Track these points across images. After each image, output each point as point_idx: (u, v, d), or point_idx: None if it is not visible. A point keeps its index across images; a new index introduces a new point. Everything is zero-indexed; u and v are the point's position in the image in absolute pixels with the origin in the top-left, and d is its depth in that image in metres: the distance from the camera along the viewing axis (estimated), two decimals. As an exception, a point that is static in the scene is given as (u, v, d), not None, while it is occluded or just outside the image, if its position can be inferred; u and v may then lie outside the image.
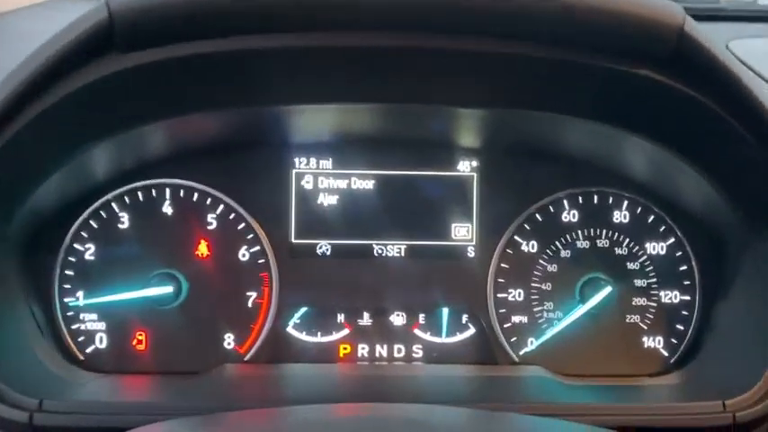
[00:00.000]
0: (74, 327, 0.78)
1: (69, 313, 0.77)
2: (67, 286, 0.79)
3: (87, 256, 0.78)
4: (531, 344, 0.79)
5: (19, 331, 0.70)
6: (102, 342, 0.78)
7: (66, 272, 0.78)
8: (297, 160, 0.79)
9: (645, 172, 0.79)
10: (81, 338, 0.78)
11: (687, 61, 0.62)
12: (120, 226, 0.79)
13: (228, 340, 0.79)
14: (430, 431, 0.49)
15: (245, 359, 0.78)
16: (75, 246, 0.78)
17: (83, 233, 0.78)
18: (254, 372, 0.77)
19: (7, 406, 0.60)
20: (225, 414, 0.59)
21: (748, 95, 0.60)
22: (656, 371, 0.78)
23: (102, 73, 0.60)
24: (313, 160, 0.80)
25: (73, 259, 0.78)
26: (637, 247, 0.80)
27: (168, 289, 0.77)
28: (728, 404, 0.65)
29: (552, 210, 0.81)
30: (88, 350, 0.80)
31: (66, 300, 0.78)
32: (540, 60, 0.61)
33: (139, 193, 0.79)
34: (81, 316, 0.79)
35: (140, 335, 0.78)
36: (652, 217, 0.81)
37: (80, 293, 0.78)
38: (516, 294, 0.80)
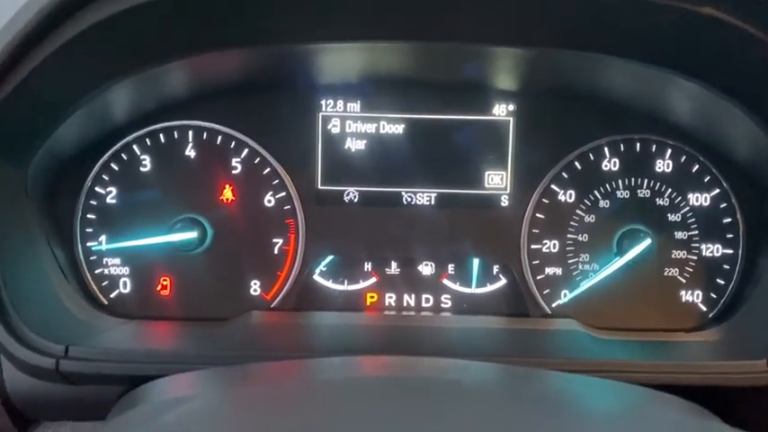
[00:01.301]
0: (97, 271, 0.76)
1: (92, 258, 0.76)
2: (90, 230, 0.76)
3: (109, 200, 0.76)
4: (565, 296, 0.76)
5: (42, 276, 0.69)
6: (126, 287, 0.77)
7: (88, 216, 0.77)
8: (323, 103, 0.76)
9: (692, 119, 0.74)
10: (105, 283, 0.76)
11: None
12: (141, 169, 0.76)
13: (255, 287, 0.77)
14: (466, 392, 0.47)
15: (272, 306, 0.77)
16: (97, 189, 0.76)
17: (104, 176, 0.76)
18: (280, 319, 0.76)
19: (34, 352, 0.60)
20: (253, 365, 0.58)
21: None
22: (693, 326, 0.76)
23: (115, 9, 0.56)
24: (340, 103, 0.76)
25: (94, 203, 0.75)
26: (679, 198, 0.77)
27: (192, 234, 0.75)
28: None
29: (592, 157, 0.78)
30: (112, 295, 0.77)
31: (88, 244, 0.76)
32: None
33: (161, 135, 0.76)
34: (104, 260, 0.78)
35: (165, 280, 0.76)
36: (697, 166, 0.77)
37: (103, 238, 0.77)
38: (551, 245, 0.78)
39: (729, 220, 0.78)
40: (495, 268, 0.79)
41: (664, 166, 0.77)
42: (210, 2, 0.57)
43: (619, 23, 0.62)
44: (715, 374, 0.62)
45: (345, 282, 0.80)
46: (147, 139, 0.75)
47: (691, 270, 0.78)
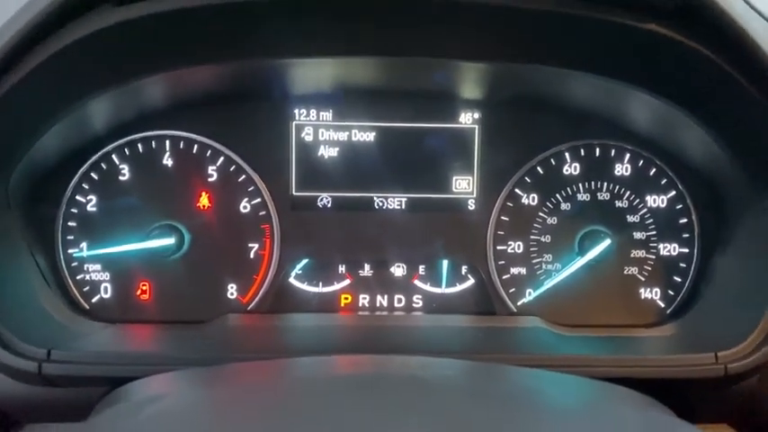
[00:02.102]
0: (78, 277, 0.78)
1: (74, 264, 0.78)
2: (71, 237, 0.79)
3: (89, 208, 0.79)
4: (529, 295, 0.79)
5: (25, 283, 0.71)
6: (106, 292, 0.79)
7: (69, 223, 0.80)
8: (297, 112, 0.79)
9: (648, 126, 0.78)
10: (86, 288, 0.78)
11: (693, 15, 0.59)
12: (120, 178, 0.78)
13: (231, 290, 0.80)
14: (429, 387, 0.50)
15: (248, 309, 0.79)
16: (77, 197, 0.78)
17: (84, 185, 0.78)
18: (256, 321, 0.78)
19: (16, 356, 0.62)
20: (229, 366, 0.61)
21: (755, 51, 0.59)
22: (652, 322, 0.79)
23: (95, 27, 0.59)
24: (313, 112, 0.79)
25: (75, 211, 0.78)
26: (637, 200, 0.80)
27: (170, 240, 0.78)
28: (720, 356, 0.65)
29: (554, 162, 0.81)
30: (93, 300, 0.80)
31: (69, 251, 0.78)
32: (545, 14, 0.60)
33: (139, 145, 0.78)
34: (85, 266, 0.80)
35: (144, 285, 0.78)
36: (654, 170, 0.80)
37: (83, 244, 0.79)
38: (516, 246, 0.81)
39: (685, 220, 0.81)
40: (464, 269, 0.82)
41: (622, 169, 0.80)
42: (191, 21, 0.60)
43: (574, 40, 0.65)
44: (669, 368, 0.65)
45: (320, 284, 0.83)
46: (126, 149, 0.77)
47: (649, 269, 0.81)
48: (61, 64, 0.63)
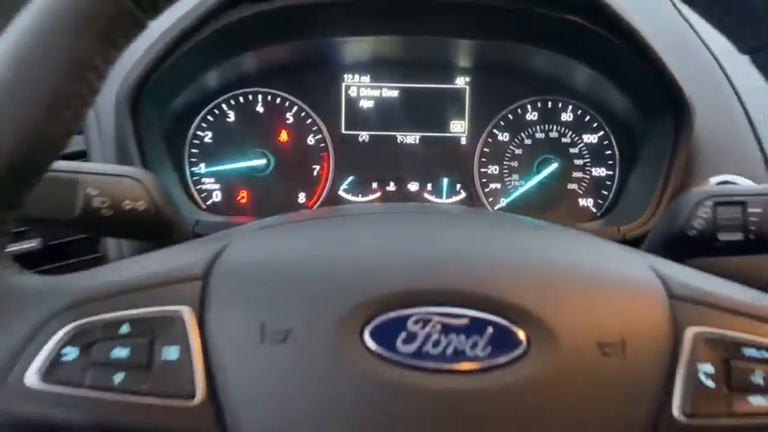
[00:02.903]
0: (198, 187, 1.02)
1: (195, 178, 1.02)
2: (194, 160, 1.01)
3: (206, 140, 1.02)
4: (503, 202, 1.04)
5: (169, 189, 0.91)
6: (217, 197, 1.02)
7: (193, 150, 1.02)
8: (346, 76, 1.03)
9: (583, 86, 1.02)
10: (203, 195, 1.02)
11: (597, 10, 0.86)
12: (227, 120, 1.01)
13: (301, 197, 1.03)
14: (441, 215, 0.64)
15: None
16: (198, 133, 1.01)
17: (203, 125, 1.01)
18: None
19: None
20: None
21: (638, 37, 0.86)
22: (586, 220, 1.03)
23: (231, 19, 0.88)
24: (357, 76, 1.04)
25: (197, 142, 1.01)
26: (576, 137, 1.03)
27: (262, 161, 1.01)
28: (622, 229, 0.88)
29: (519, 112, 1.03)
30: (208, 202, 1.02)
31: (193, 168, 1.02)
32: (506, 10, 0.90)
33: (240, 98, 1.01)
34: (203, 180, 1.02)
35: (243, 193, 1.02)
36: (588, 117, 1.03)
37: (202, 165, 1.02)
38: (493, 170, 1.04)
39: (609, 152, 1.02)
40: (458, 186, 1.04)
41: (567, 116, 1.03)
42: (285, 17, 0.90)
43: (524, 25, 0.92)
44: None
45: (359, 195, 1.04)
46: (231, 101, 1.01)
47: (585, 185, 1.03)
48: (203, 47, 0.87)
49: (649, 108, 0.94)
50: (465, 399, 0.44)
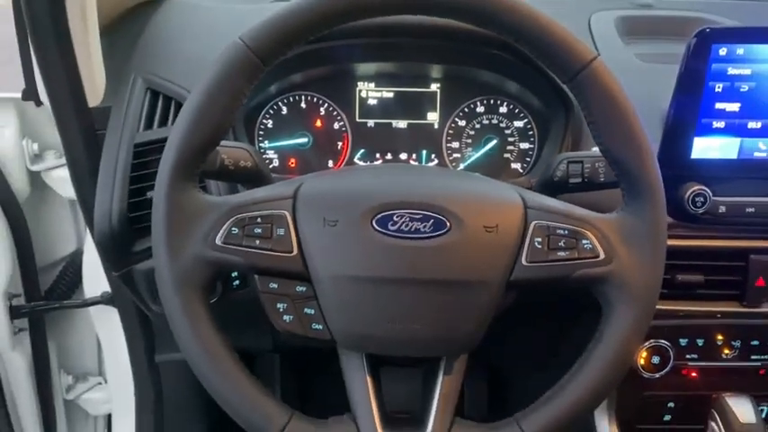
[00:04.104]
0: (263, 156, 1.28)
1: (262, 150, 1.28)
2: (261, 138, 1.28)
3: (269, 126, 1.30)
4: (461, 166, 1.32)
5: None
6: (275, 163, 1.29)
7: (260, 132, 1.30)
8: (359, 83, 1.30)
9: (513, 91, 1.31)
10: (267, 161, 1.28)
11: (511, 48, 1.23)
12: (282, 113, 1.30)
13: (330, 164, 1.31)
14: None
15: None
16: (264, 121, 1.29)
17: (266, 116, 1.29)
18: None
19: None
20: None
21: (539, 65, 1.21)
22: (515, 177, 1.30)
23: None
24: (366, 83, 1.31)
25: (263, 127, 1.29)
26: (510, 123, 1.32)
27: (304, 140, 1.32)
28: (532, 180, 1.16)
29: (472, 106, 1.31)
30: (270, 167, 1.27)
31: (260, 144, 1.29)
32: (460, 49, 1.26)
33: (290, 98, 1.29)
34: (266, 151, 1.29)
35: (292, 161, 1.32)
36: (517, 110, 1.31)
37: (266, 141, 1.29)
38: (455, 145, 1.33)
39: (531, 133, 1.32)
40: (432, 155, 1.32)
41: (503, 109, 1.33)
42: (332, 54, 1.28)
43: (475, 56, 1.29)
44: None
45: (367, 161, 1.32)
46: (285, 100, 1.30)
47: (515, 154, 1.32)
48: (278, 66, 1.03)
49: (551, 104, 1.25)
50: (420, 251, 0.81)
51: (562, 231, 0.85)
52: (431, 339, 0.84)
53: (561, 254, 0.84)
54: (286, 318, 0.87)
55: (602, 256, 0.83)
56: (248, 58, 0.80)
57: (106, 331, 1.51)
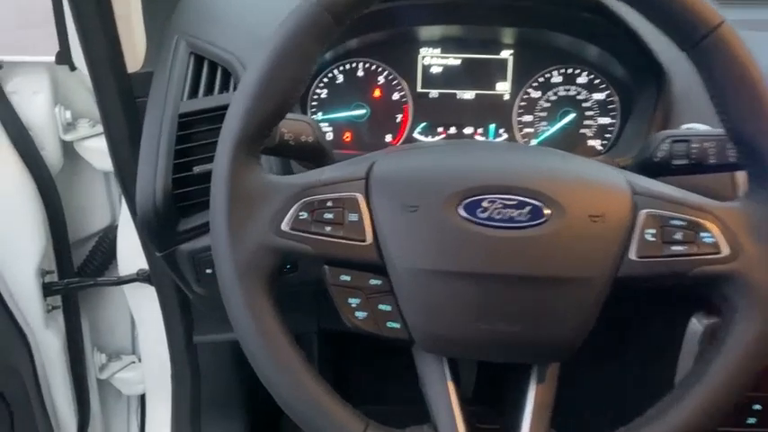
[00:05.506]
0: None
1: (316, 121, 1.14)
2: (314, 110, 1.22)
3: (323, 96, 1.23)
4: (533, 142, 1.24)
5: None
6: (329, 137, 1.24)
7: (313, 103, 1.23)
8: (422, 49, 1.21)
9: (594, 58, 1.20)
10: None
11: (599, 8, 1.12)
12: (337, 82, 1.23)
13: (388, 138, 1.25)
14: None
15: (394, 150, 1.34)
16: (317, 91, 1.23)
17: (320, 85, 1.22)
18: None
19: None
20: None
21: (628, 25, 1.10)
22: (593, 155, 1.22)
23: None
24: (430, 49, 1.23)
25: (316, 98, 1.22)
26: (589, 95, 1.23)
27: (361, 111, 1.25)
28: (617, 160, 1.06)
29: (548, 76, 1.23)
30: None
31: (313, 116, 1.23)
32: (535, 9, 1.19)
33: (347, 66, 1.22)
34: (320, 124, 1.19)
35: (347, 134, 1.26)
36: (597, 80, 1.22)
37: (320, 113, 1.23)
38: (527, 118, 1.25)
39: (612, 106, 1.22)
40: (501, 130, 1.25)
41: (582, 80, 1.24)
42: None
43: (553, 18, 1.18)
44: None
45: (429, 136, 1.25)
46: (340, 68, 1.22)
47: (594, 130, 1.23)
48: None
49: (639, 74, 1.15)
50: (514, 242, 0.76)
51: (678, 222, 0.77)
52: (525, 344, 0.78)
53: (677, 248, 0.76)
54: (359, 314, 0.81)
55: (725, 251, 0.75)
56: (320, 16, 0.74)
57: (142, 310, 1.49)
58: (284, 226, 0.77)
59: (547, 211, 0.76)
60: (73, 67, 1.13)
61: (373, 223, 0.77)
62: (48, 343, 1.45)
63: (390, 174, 0.79)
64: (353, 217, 0.78)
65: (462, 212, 0.77)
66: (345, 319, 0.80)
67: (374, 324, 0.80)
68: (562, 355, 0.79)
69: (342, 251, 0.78)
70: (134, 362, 1.66)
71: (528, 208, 0.77)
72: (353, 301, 0.80)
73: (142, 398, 1.69)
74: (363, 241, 0.78)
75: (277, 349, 0.74)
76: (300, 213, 0.78)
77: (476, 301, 0.75)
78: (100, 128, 1.34)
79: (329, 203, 0.78)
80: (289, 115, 0.86)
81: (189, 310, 1.35)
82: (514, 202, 0.77)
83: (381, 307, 0.79)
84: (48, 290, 1.43)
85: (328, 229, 0.77)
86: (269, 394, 0.73)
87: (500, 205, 0.77)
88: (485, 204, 0.77)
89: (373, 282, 0.79)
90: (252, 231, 0.75)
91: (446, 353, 0.79)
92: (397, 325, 0.78)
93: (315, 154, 0.94)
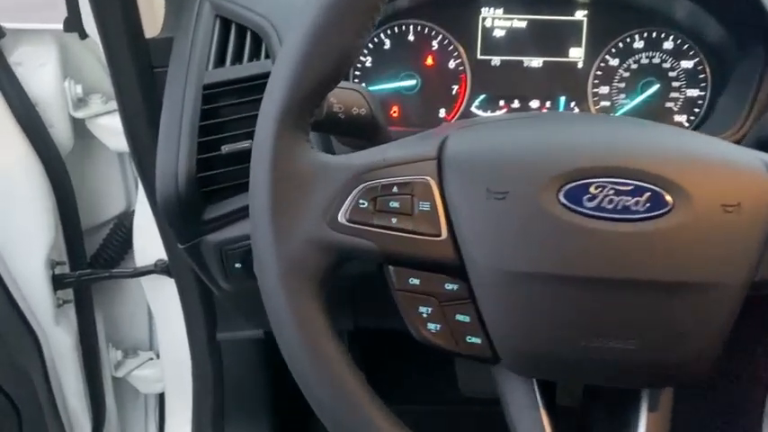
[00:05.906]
0: None
1: None
2: (356, 80, 1.13)
3: (367, 65, 1.13)
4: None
5: None
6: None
7: (356, 73, 1.13)
8: (482, 9, 1.11)
9: (683, 18, 1.09)
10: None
11: None
12: (384, 47, 1.12)
13: (442, 113, 1.14)
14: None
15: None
16: (361, 58, 1.12)
17: (364, 51, 1.11)
18: None
19: None
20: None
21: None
22: None
23: None
24: (492, 9, 1.12)
25: (359, 65, 1.12)
26: (675, 63, 1.12)
27: (411, 82, 1.13)
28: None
29: (628, 41, 1.12)
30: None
31: None
32: None
33: (395, 29, 1.11)
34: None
35: (395, 108, 1.15)
36: (686, 46, 1.11)
37: (363, 84, 1.11)
38: (604, 90, 1.14)
39: (702, 75, 1.12)
40: (573, 103, 1.15)
41: (668, 45, 1.12)
42: None
43: None
44: None
45: (488, 111, 1.16)
46: (388, 31, 1.12)
47: (680, 104, 1.13)
48: None
49: (743, 36, 1.03)
50: (630, 238, 0.64)
51: None
52: (641, 365, 0.66)
53: None
54: (431, 326, 0.69)
55: None
56: None
57: (160, 304, 1.42)
58: (341, 217, 0.67)
59: (670, 199, 0.64)
60: (83, 35, 1.07)
61: (448, 213, 0.66)
62: (59, 340, 1.37)
63: (469, 152, 0.67)
64: (425, 206, 0.67)
65: (564, 200, 0.65)
66: (414, 332, 0.69)
67: (450, 338, 0.69)
68: (684, 380, 0.67)
69: (411, 248, 0.67)
70: (152, 358, 1.60)
71: (647, 195, 0.65)
72: (424, 310, 0.68)
73: (161, 397, 1.63)
74: (437, 236, 0.66)
75: (326, 365, 0.64)
76: (361, 201, 0.67)
77: (582, 313, 0.64)
78: (114, 104, 1.25)
79: (395, 189, 0.67)
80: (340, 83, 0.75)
81: (212, 305, 1.27)
82: (630, 188, 0.65)
83: (459, 317, 0.68)
84: (58, 283, 1.35)
85: (394, 220, 0.67)
86: (297, 395, 0.65)
87: (611, 191, 0.65)
88: (592, 190, 0.65)
89: (449, 287, 0.68)
90: (301, 223, 0.65)
91: (542, 375, 0.68)
92: (477, 340, 0.67)
93: (368, 129, 0.84)
